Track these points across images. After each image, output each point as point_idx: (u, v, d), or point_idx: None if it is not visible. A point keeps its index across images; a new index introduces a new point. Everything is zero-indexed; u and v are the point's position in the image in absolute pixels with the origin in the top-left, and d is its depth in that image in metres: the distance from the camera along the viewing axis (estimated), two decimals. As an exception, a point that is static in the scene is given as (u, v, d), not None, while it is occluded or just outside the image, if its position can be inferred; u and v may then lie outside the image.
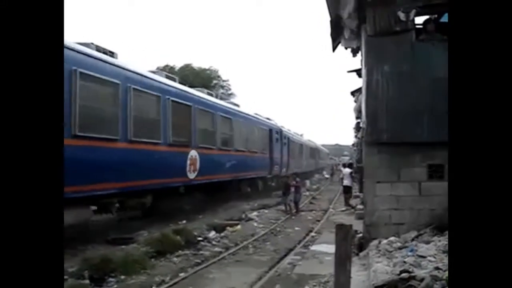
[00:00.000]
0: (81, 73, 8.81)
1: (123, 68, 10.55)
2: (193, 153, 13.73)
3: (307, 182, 31.31)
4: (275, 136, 24.02)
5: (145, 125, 11.21)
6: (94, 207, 9.75)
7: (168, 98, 12.33)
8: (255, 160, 20.42)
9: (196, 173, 13.93)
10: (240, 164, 18.24)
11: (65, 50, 7.98)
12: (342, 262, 4.11)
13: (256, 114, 21.36)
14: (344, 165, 24.62)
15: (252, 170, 19.69)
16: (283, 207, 17.48)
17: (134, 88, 10.65)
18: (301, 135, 39.29)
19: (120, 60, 10.70)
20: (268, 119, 24.15)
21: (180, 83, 14.19)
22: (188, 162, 13.48)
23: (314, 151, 44.05)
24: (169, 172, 12.47)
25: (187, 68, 41.50)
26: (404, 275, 5.13)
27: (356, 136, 30.39)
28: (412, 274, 5.12)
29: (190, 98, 14.06)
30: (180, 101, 13.07)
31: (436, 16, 9.97)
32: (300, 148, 34.34)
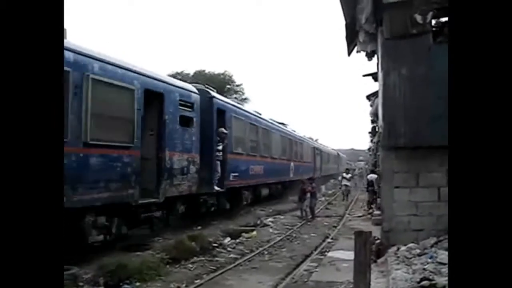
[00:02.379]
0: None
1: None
2: (292, 164, 25.02)
3: (323, 188, 31.06)
4: (316, 151, 35.84)
5: (281, 151, 22.91)
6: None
7: (289, 139, 25.40)
8: (308, 167, 31.54)
9: (292, 175, 24.86)
10: (303, 170, 28.30)
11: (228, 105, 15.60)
12: (361, 269, 4.00)
13: (301, 135, 32.73)
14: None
15: (306, 173, 28.24)
16: (298, 213, 17.35)
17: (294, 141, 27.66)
18: (316, 140, 39.86)
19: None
20: (310, 138, 37.46)
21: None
22: (290, 168, 24.62)
23: (336, 158, 52.89)
24: (285, 174, 23.72)
25: (200, 73, 41.53)
26: (424, 283, 5.01)
27: (372, 141, 30.05)
28: (433, 282, 4.99)
29: (292, 135, 27.03)
30: (291, 138, 26.18)
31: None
32: (327, 156, 44.11)
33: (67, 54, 7.50)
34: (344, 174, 28.48)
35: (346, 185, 26.66)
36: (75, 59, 7.82)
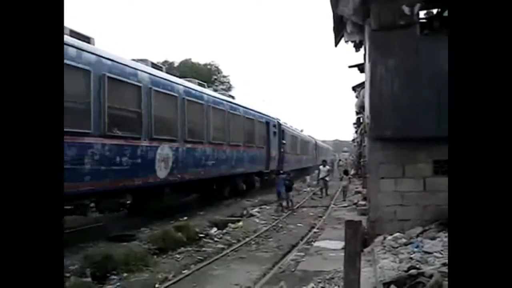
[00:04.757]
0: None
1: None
2: (304, 157, 37.75)
3: (308, 178, 31.16)
4: (315, 146, 47.69)
5: (301, 149, 36.41)
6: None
7: (304, 140, 39.57)
8: (311, 158, 42.87)
9: (304, 163, 37.43)
10: (309, 160, 40.81)
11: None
12: (351, 259, 4.04)
13: (309, 135, 46.21)
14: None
15: (311, 162, 41.32)
16: (284, 203, 17.42)
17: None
18: (301, 131, 40.45)
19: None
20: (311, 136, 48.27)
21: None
22: (303, 159, 37.24)
23: (326, 150, 65.89)
24: (302, 163, 36.24)
25: (186, 63, 41.27)
26: (412, 271, 5.07)
27: (356, 132, 30.18)
28: (421, 271, 5.05)
29: (306, 138, 41.52)
30: (305, 140, 40.42)
31: (440, 10, 9.88)
32: (321, 149, 56.28)
33: (256, 114, 21.15)
34: (321, 167, 23.25)
35: (324, 179, 22.39)
36: (256, 115, 21.02)
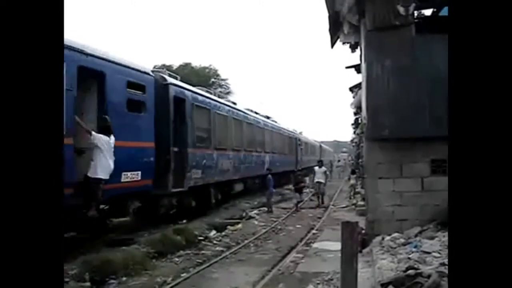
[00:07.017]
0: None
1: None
2: (312, 157, 43.74)
3: (307, 179, 31.23)
4: (320, 148, 55.35)
5: (310, 151, 46.07)
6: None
7: (311, 145, 48.76)
8: (317, 158, 43.86)
9: (311, 162, 38.49)
10: (315, 160, 39.99)
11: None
12: (348, 259, 4.04)
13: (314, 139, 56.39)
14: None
15: (315, 162, 43.32)
16: (283, 205, 17.48)
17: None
18: (300, 132, 40.95)
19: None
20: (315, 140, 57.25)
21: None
22: (311, 159, 42.44)
23: (329, 152, 73.88)
24: (311, 162, 38.28)
25: (185, 67, 41.36)
26: (410, 271, 5.06)
27: (354, 132, 30.25)
28: (419, 271, 5.04)
29: (312, 143, 50.26)
30: (311, 144, 48.87)
31: (435, 9, 9.90)
32: (325, 151, 63.37)
33: (291, 133, 34.84)
34: (317, 168, 19.86)
35: (319, 183, 19.06)
36: (292, 134, 34.49)
